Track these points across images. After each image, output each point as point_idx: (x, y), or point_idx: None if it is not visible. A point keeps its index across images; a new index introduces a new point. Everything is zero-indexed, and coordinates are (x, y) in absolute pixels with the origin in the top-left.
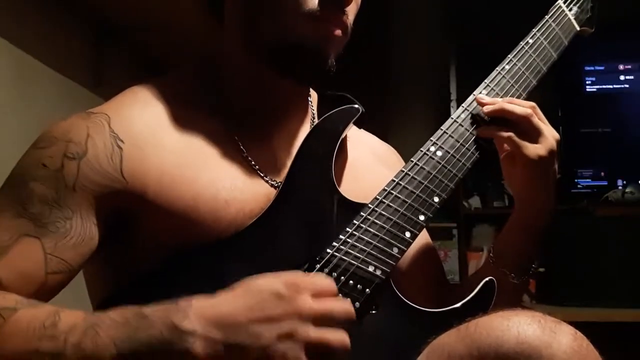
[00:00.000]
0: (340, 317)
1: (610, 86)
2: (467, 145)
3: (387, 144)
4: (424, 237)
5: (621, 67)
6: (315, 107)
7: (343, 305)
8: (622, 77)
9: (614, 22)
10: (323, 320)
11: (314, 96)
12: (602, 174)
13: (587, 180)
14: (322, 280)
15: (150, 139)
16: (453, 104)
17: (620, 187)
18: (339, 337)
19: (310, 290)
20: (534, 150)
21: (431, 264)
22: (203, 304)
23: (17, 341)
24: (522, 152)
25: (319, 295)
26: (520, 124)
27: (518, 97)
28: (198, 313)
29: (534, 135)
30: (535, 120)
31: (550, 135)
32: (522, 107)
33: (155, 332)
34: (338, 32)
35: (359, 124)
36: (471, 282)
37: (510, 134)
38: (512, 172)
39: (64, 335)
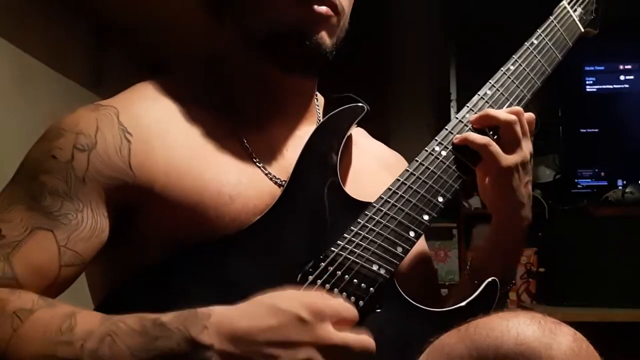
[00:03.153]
0: (356, 351)
1: (610, 86)
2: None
3: (396, 153)
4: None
5: (621, 67)
6: (321, 110)
7: (361, 340)
8: (622, 77)
9: (613, 22)
10: (340, 352)
11: (320, 100)
12: (602, 174)
13: (587, 180)
14: (344, 307)
15: (158, 133)
16: (453, 104)
17: (620, 187)
18: None
19: (333, 318)
20: (505, 160)
21: (425, 267)
22: (222, 317)
23: (34, 345)
24: (494, 160)
25: (341, 323)
26: (501, 131)
27: (522, 98)
28: (216, 326)
29: (511, 144)
30: (517, 128)
31: (526, 148)
32: (506, 113)
33: (172, 343)
34: (322, 9)
35: (364, 122)
36: (454, 294)
37: (486, 142)
38: (484, 183)
39: (81, 342)
